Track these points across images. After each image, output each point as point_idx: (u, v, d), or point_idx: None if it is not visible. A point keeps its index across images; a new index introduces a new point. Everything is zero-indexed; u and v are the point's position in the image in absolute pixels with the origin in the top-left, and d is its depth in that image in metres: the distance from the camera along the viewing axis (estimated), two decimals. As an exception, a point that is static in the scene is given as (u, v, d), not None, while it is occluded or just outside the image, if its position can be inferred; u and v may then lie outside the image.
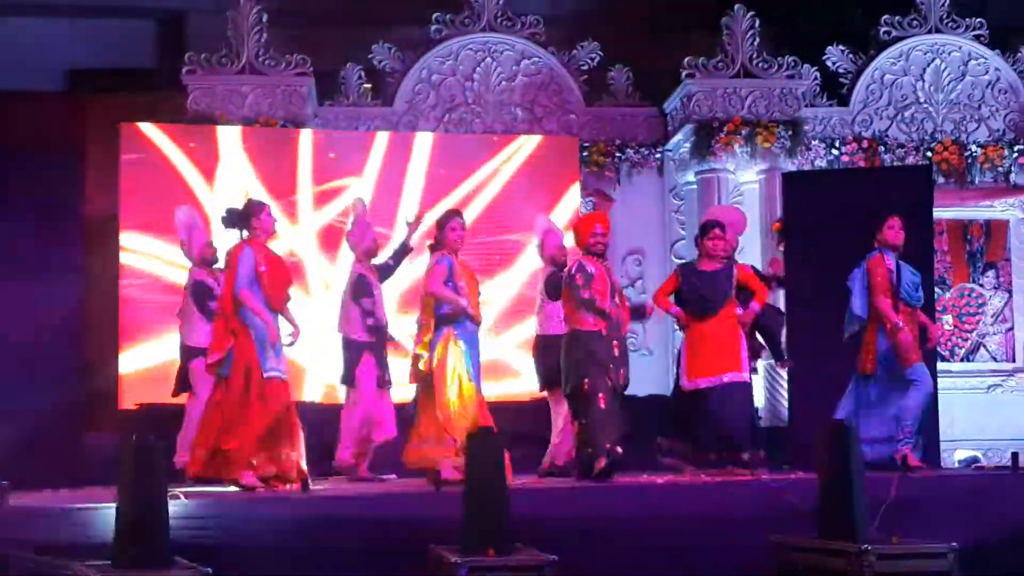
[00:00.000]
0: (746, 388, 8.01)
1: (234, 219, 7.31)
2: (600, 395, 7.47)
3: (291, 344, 7.35)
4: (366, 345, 8.23)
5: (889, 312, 7.79)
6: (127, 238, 10.02)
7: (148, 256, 9.99)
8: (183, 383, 8.38)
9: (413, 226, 8.42)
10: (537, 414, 8.85)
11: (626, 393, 7.83)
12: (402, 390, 8.29)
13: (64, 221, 8.12)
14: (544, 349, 8.35)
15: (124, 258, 9.99)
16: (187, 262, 8.53)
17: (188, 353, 8.31)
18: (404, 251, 8.49)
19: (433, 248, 7.64)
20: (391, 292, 8.91)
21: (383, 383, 8.28)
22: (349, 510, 6.34)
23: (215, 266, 8.29)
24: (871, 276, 7.85)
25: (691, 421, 7.93)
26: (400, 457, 7.51)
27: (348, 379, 8.32)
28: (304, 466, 7.17)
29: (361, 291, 8.25)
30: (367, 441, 8.26)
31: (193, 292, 8.31)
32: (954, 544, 5.56)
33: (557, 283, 8.19)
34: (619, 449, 7.45)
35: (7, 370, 7.74)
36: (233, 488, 7.01)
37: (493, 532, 5.30)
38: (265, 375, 7.10)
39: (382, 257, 8.52)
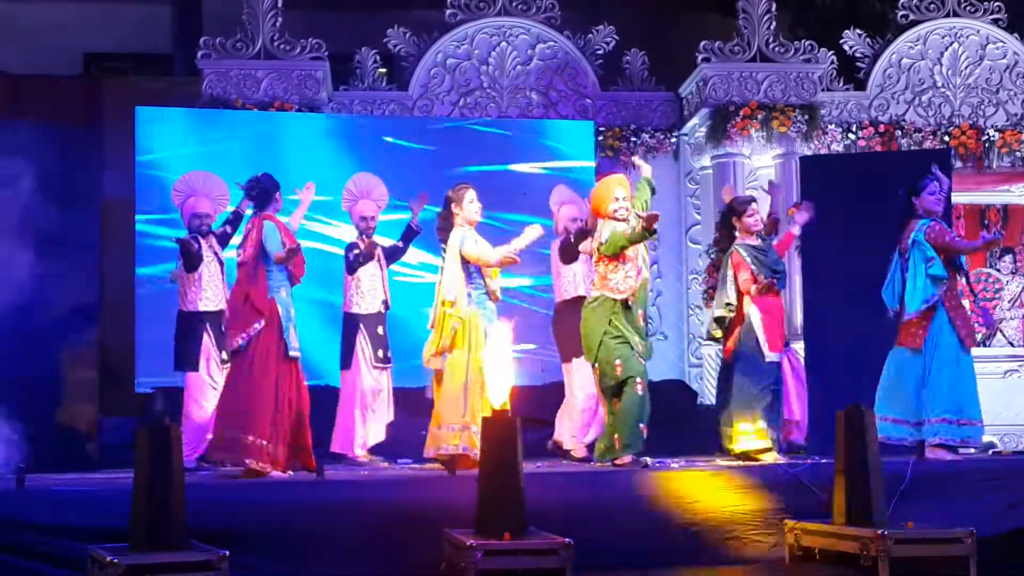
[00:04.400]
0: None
1: (253, 190, 7.33)
2: (638, 381, 7.28)
3: None
4: (360, 319, 8.21)
5: (979, 243, 8.05)
6: (143, 220, 10.02)
7: (164, 238, 9.97)
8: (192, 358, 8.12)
9: (417, 206, 8.36)
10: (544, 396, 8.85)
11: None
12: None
13: (81, 203, 8.13)
14: (564, 316, 8.23)
15: (140, 240, 9.99)
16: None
17: (186, 321, 8.14)
18: (411, 233, 8.45)
19: (442, 229, 7.60)
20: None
21: (381, 361, 8.25)
22: (364, 494, 6.35)
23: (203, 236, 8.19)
24: (939, 239, 7.55)
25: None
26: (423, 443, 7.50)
27: (345, 358, 8.27)
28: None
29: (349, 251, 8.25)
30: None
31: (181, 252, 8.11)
32: (972, 529, 5.55)
33: (570, 247, 8.10)
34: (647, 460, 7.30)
35: (23, 349, 7.76)
36: (248, 471, 7.02)
37: (508, 516, 5.31)
38: (290, 353, 7.14)
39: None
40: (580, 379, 8.11)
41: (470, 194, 7.55)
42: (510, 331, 5.96)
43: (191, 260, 8.00)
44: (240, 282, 7.24)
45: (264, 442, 6.96)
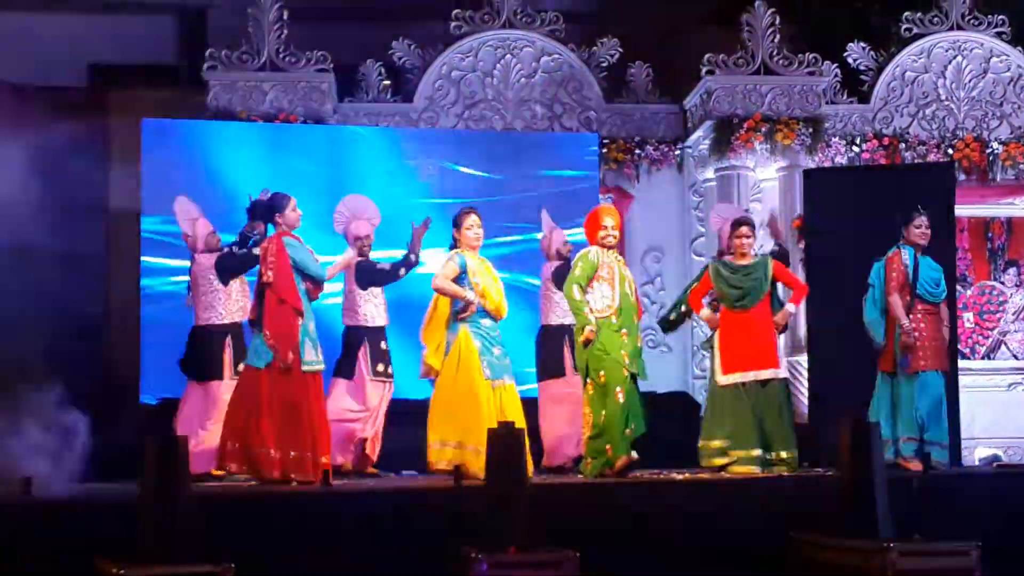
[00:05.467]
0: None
1: (261, 211, 7.34)
2: (617, 388, 7.49)
3: None
4: (365, 332, 8.27)
5: (896, 310, 7.84)
6: (149, 232, 10.03)
7: (170, 250, 10.00)
8: (214, 367, 8.21)
9: (419, 232, 8.36)
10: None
11: (644, 390, 7.84)
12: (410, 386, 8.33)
13: (86, 214, 8.15)
14: (546, 339, 8.56)
15: (146, 251, 10.00)
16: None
17: (207, 334, 8.23)
18: (408, 264, 8.39)
19: (452, 247, 7.68)
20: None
21: (378, 375, 8.28)
22: (371, 505, 6.36)
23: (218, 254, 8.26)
24: (886, 272, 7.89)
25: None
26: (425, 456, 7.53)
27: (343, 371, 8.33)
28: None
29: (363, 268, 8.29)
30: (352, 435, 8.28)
31: (217, 267, 8.18)
32: (977, 542, 5.56)
33: (565, 273, 8.26)
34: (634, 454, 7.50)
35: (29, 360, 7.77)
36: (257, 482, 7.03)
37: (514, 528, 5.32)
38: (304, 368, 7.15)
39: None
40: (553, 397, 8.45)
41: (470, 219, 7.63)
42: None
43: (234, 269, 8.10)
44: (273, 300, 7.20)
45: (270, 451, 6.99)
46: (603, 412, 7.49)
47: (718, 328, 8.22)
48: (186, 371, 8.26)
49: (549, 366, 8.63)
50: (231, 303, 8.21)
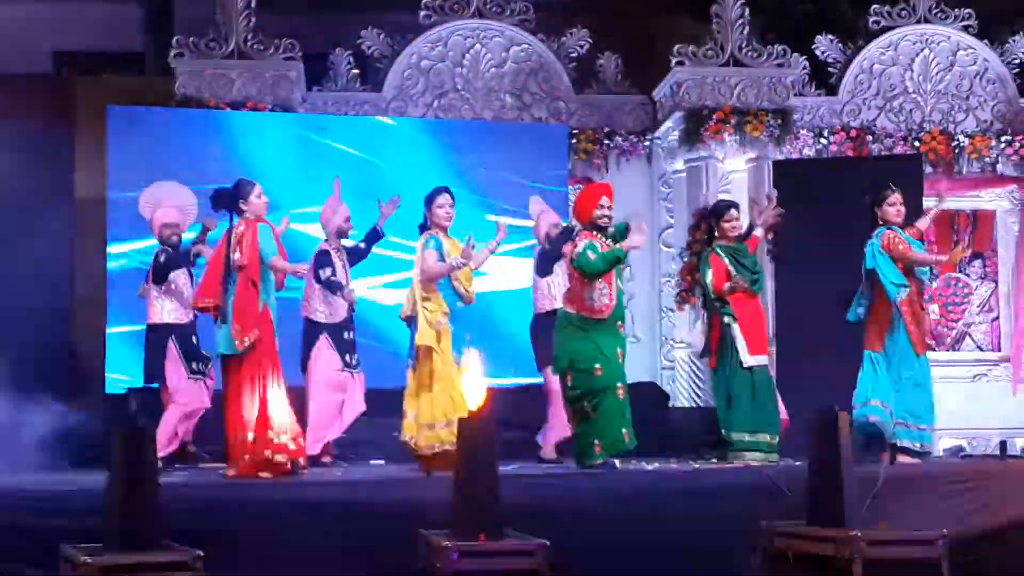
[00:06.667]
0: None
1: (224, 200, 7.26)
2: (619, 386, 7.30)
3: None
4: (324, 327, 8.18)
5: (928, 256, 7.95)
6: (115, 220, 9.95)
7: (136, 239, 9.92)
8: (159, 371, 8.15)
9: (387, 209, 8.28)
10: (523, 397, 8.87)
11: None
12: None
13: (53, 202, 8.07)
14: (539, 328, 8.34)
15: (112, 239, 9.92)
16: None
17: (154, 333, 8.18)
18: (375, 236, 8.36)
19: (422, 228, 7.61)
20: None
21: (348, 365, 8.21)
22: (340, 495, 6.34)
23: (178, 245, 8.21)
24: (893, 250, 7.75)
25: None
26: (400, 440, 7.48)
27: (304, 363, 8.22)
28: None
29: (321, 265, 8.16)
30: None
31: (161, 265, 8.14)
32: (944, 531, 5.60)
33: (547, 258, 8.22)
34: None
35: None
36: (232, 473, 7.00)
37: (484, 517, 5.30)
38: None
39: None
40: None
41: (442, 198, 7.55)
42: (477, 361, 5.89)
43: (162, 271, 8.00)
44: (243, 284, 7.11)
45: (264, 445, 6.97)
46: (590, 407, 7.26)
47: (733, 314, 7.99)
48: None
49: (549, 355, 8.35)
50: (177, 302, 8.13)
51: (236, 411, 7.05)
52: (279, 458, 6.94)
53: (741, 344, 7.91)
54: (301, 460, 7.14)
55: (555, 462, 8.17)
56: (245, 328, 7.03)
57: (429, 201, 7.57)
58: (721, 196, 10.77)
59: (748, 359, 7.89)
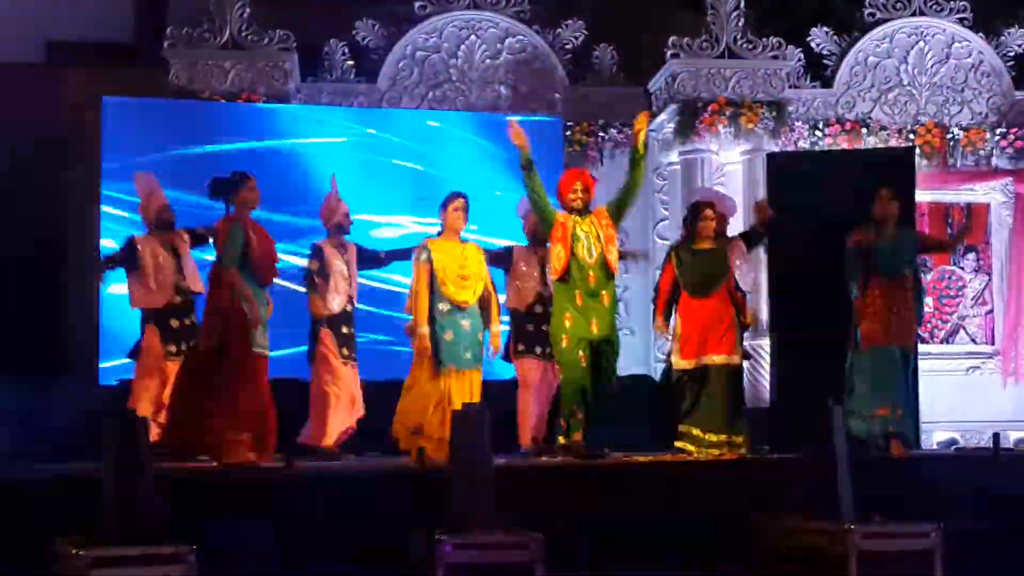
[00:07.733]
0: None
1: (220, 189, 7.25)
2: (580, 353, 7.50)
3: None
4: (323, 321, 8.18)
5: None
6: (108, 211, 9.92)
7: (129, 226, 9.90)
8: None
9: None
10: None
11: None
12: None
13: (46, 192, 8.06)
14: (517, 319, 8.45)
15: (105, 232, 9.89)
16: None
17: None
18: (396, 255, 8.42)
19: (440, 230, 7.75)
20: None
21: (346, 358, 8.22)
22: (333, 487, 6.33)
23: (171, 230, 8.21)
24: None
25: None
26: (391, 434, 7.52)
27: (309, 356, 8.26)
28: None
29: (309, 259, 8.19)
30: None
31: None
32: (939, 523, 5.60)
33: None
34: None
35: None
36: (216, 465, 6.98)
37: (478, 510, 5.31)
38: (254, 350, 7.09)
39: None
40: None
41: (456, 203, 7.72)
42: None
43: (128, 260, 8.04)
44: (213, 282, 7.16)
45: (231, 435, 6.94)
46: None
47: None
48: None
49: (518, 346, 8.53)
50: (154, 285, 8.11)
51: (183, 392, 7.06)
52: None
53: (675, 347, 8.07)
54: (259, 463, 7.05)
55: (535, 452, 8.21)
56: (207, 329, 7.06)
57: (444, 204, 7.73)
58: (716, 188, 10.81)
59: (681, 363, 7.97)
